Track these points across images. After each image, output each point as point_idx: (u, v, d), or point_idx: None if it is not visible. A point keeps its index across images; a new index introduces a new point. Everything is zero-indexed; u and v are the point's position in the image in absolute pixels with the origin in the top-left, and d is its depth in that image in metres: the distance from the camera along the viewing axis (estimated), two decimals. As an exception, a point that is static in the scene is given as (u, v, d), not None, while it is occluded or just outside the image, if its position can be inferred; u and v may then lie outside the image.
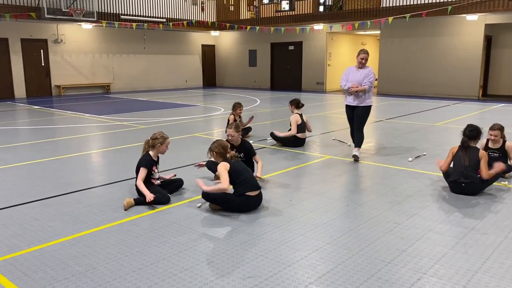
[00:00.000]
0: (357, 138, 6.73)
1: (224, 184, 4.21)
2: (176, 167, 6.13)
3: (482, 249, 3.49)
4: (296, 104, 7.73)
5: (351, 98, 6.62)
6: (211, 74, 24.60)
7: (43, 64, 17.85)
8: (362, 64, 6.52)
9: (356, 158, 6.48)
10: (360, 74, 6.51)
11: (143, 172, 4.63)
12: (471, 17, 15.41)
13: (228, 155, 4.47)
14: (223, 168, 4.30)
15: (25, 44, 17.21)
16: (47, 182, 5.44)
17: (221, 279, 3.03)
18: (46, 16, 15.45)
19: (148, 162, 4.70)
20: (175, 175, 5.24)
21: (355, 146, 6.72)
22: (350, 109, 6.75)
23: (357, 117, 6.65)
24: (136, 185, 4.67)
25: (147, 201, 4.41)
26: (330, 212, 4.37)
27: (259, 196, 4.41)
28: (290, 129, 7.62)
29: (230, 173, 4.28)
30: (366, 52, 6.56)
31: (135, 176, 4.76)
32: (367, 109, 6.62)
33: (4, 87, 16.88)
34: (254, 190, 4.33)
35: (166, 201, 4.55)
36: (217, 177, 5.45)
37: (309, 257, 3.36)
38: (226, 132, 8.12)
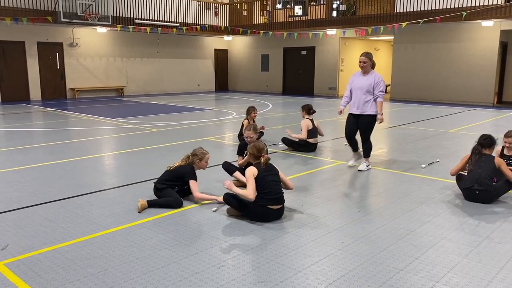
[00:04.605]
0: (365, 148, 6.33)
1: (250, 194, 4.10)
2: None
3: (497, 258, 3.43)
4: (308, 110, 7.72)
5: (355, 105, 6.19)
6: (223, 78, 24.69)
7: (58, 67, 18.10)
8: (362, 68, 6.09)
9: (362, 170, 6.23)
10: (366, 80, 6.05)
11: (195, 185, 4.69)
12: (486, 23, 15.24)
13: (262, 159, 4.30)
14: (251, 174, 4.19)
15: (41, 47, 17.48)
16: (60, 184, 5.49)
17: (232, 283, 3.02)
18: (62, 20, 15.67)
19: (194, 175, 4.78)
20: (218, 201, 4.92)
21: (364, 157, 6.36)
22: (353, 117, 6.27)
23: (361, 127, 6.23)
24: (156, 184, 4.80)
25: (220, 201, 4.52)
26: (341, 218, 4.34)
27: (281, 210, 4.29)
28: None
29: (256, 179, 4.17)
30: (366, 55, 6.07)
31: (158, 177, 4.88)
32: (372, 118, 6.13)
33: (20, 89, 17.15)
34: (277, 204, 4.22)
35: (178, 205, 4.57)
36: (235, 181, 5.44)
37: (320, 263, 3.34)
38: (239, 135, 8.19)
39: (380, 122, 6.12)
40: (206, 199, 4.72)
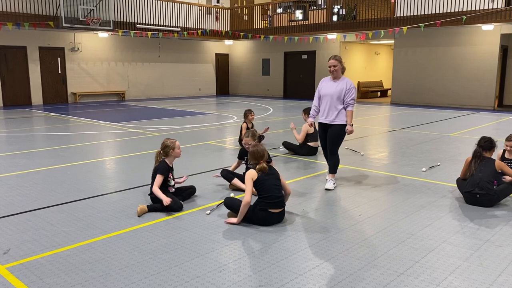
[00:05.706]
0: (331, 162, 5.61)
1: (247, 197, 4.10)
2: (189, 174, 6.15)
3: (497, 262, 3.44)
4: (309, 113, 7.72)
5: (323, 114, 5.56)
6: (224, 83, 24.75)
7: (59, 72, 18.17)
8: (332, 73, 5.49)
9: (329, 189, 5.47)
10: (336, 86, 5.44)
11: (159, 178, 4.68)
12: (487, 27, 15.28)
13: (257, 166, 4.29)
14: (250, 177, 4.21)
15: (43, 52, 17.55)
16: (62, 188, 5.51)
17: (233, 287, 3.03)
18: (64, 25, 15.72)
19: (164, 169, 4.76)
20: (187, 177, 5.30)
21: (330, 173, 5.63)
22: (323, 128, 5.66)
23: (329, 138, 5.56)
24: (151, 191, 4.72)
25: (164, 205, 4.47)
26: (342, 222, 4.35)
27: (282, 213, 4.29)
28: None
29: (255, 182, 4.19)
30: (335, 58, 5.46)
31: (151, 183, 4.80)
32: (342, 128, 5.45)
33: (21, 94, 17.21)
34: (278, 208, 4.22)
35: (179, 208, 4.58)
36: (232, 186, 5.46)
37: (321, 267, 3.34)
38: (239, 139, 8.20)
39: (349, 133, 5.48)
40: (159, 196, 4.57)
